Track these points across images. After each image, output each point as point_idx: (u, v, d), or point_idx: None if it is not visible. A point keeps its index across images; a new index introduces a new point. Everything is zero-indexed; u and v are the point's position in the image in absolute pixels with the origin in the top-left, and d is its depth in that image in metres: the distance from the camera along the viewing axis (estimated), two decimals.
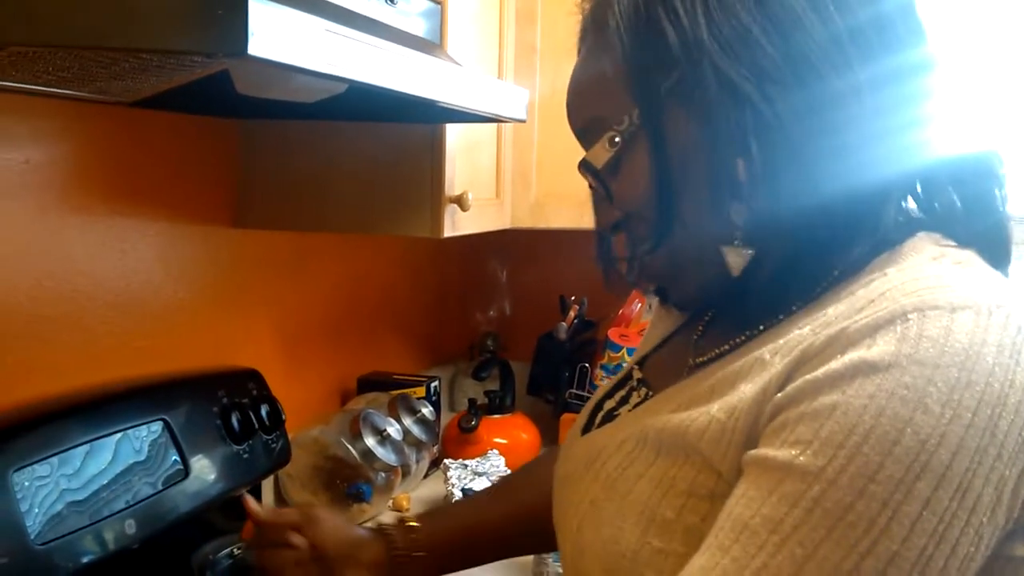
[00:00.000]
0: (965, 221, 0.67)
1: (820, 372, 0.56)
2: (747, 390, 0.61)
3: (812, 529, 0.53)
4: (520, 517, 0.99)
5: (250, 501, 0.99)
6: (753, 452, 0.58)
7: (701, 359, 0.72)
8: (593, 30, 0.71)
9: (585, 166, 0.71)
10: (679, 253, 0.69)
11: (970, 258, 0.63)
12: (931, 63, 0.66)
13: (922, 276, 0.59)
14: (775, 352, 0.61)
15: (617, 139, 0.68)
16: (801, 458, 0.54)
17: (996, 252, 0.66)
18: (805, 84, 0.61)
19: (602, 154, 0.69)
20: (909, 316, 0.55)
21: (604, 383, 1.92)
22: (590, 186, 0.74)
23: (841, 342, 0.57)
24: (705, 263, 0.68)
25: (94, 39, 0.62)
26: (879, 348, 0.55)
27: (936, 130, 0.66)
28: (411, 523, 0.98)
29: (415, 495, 1.70)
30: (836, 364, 0.56)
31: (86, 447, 1.07)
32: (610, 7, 0.68)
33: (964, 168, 0.67)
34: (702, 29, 0.62)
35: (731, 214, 0.64)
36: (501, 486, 1.15)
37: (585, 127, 0.72)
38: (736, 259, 0.66)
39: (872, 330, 0.56)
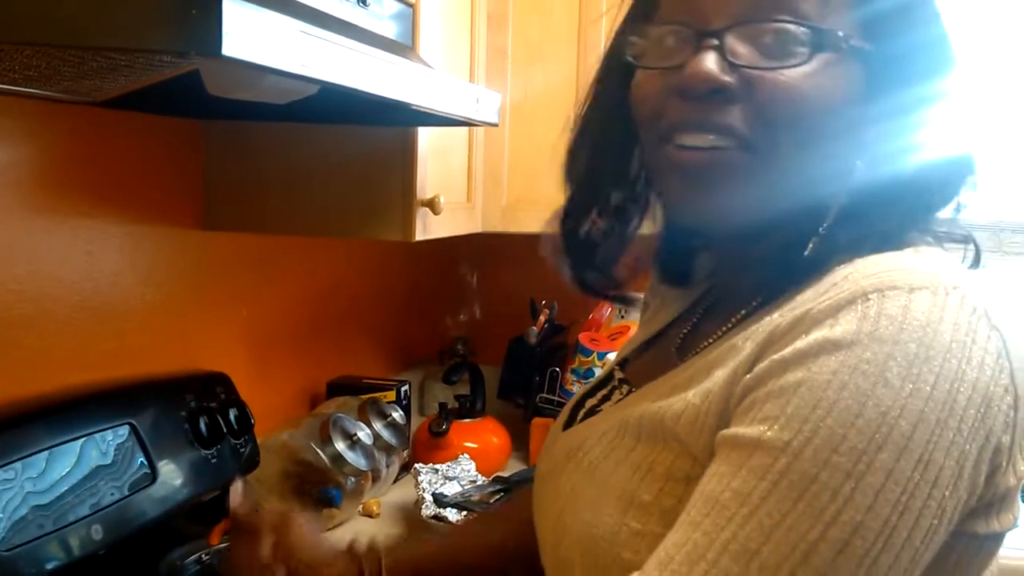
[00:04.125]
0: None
1: (787, 351, 0.58)
2: (720, 375, 0.63)
3: (779, 500, 0.55)
4: (486, 553, 0.99)
5: (234, 494, 0.98)
6: (725, 431, 0.60)
7: (686, 357, 0.73)
8: None
9: (779, 25, 0.64)
10: (748, 174, 0.66)
11: (931, 248, 0.66)
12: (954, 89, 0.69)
13: (883, 261, 0.61)
14: (747, 338, 0.63)
15: (828, 44, 0.64)
16: (769, 433, 0.56)
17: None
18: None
19: (803, 37, 0.64)
20: (869, 296, 0.57)
21: (577, 387, 1.93)
22: (722, 33, 0.65)
23: (805, 323, 0.59)
24: (764, 198, 0.68)
25: (66, 37, 0.61)
26: (841, 327, 0.57)
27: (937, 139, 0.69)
28: (378, 549, 0.96)
29: (385, 500, 1.69)
30: (801, 343, 0.58)
31: (51, 451, 1.06)
32: None
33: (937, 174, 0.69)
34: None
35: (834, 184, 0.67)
36: (473, 522, 1.14)
37: None
38: (818, 243, 0.67)
39: (835, 310, 0.58)
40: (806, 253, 0.66)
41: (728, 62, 0.64)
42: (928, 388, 0.54)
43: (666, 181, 0.70)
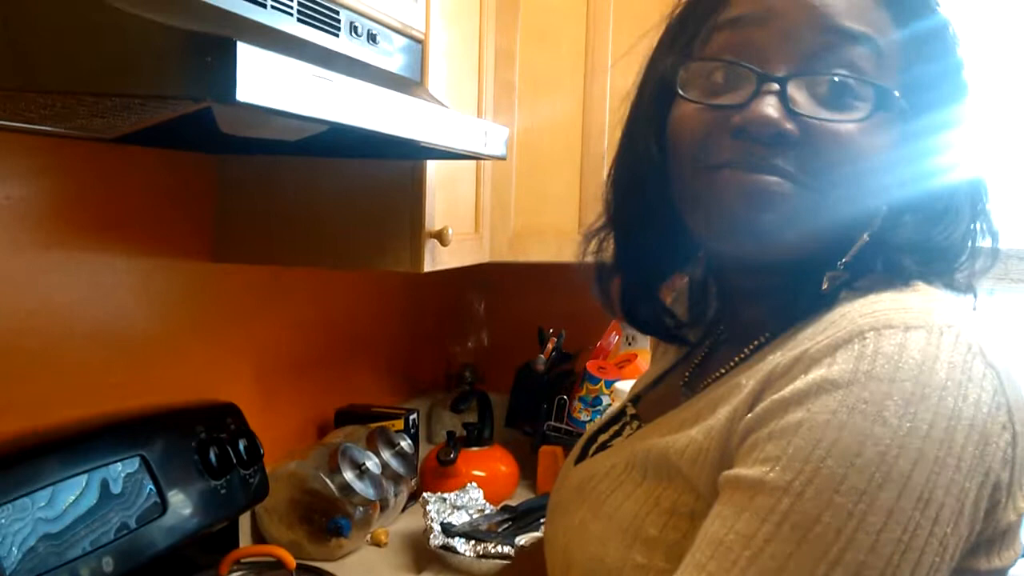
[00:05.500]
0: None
1: (786, 391, 0.59)
2: (723, 412, 0.64)
3: (782, 542, 0.55)
4: None
5: None
6: (728, 472, 0.60)
7: (692, 392, 0.75)
8: None
9: (841, 82, 0.65)
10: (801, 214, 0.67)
11: (927, 286, 0.67)
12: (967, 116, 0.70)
13: (879, 300, 0.62)
14: (750, 376, 0.64)
15: (882, 103, 0.65)
16: (771, 474, 0.57)
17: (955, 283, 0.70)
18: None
19: (865, 94, 0.65)
20: (866, 335, 0.58)
21: (584, 415, 1.93)
22: (784, 78, 0.66)
23: (804, 362, 0.59)
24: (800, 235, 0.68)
25: (84, 84, 0.63)
26: (839, 366, 0.57)
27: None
28: None
29: (394, 529, 1.69)
30: (800, 383, 0.58)
31: (63, 483, 1.06)
32: None
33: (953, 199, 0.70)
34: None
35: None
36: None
37: (852, 35, 0.65)
38: (833, 279, 0.67)
39: (832, 349, 0.58)
40: (824, 287, 0.67)
41: (788, 109, 0.65)
42: (925, 427, 0.55)
43: (712, 202, 0.68)
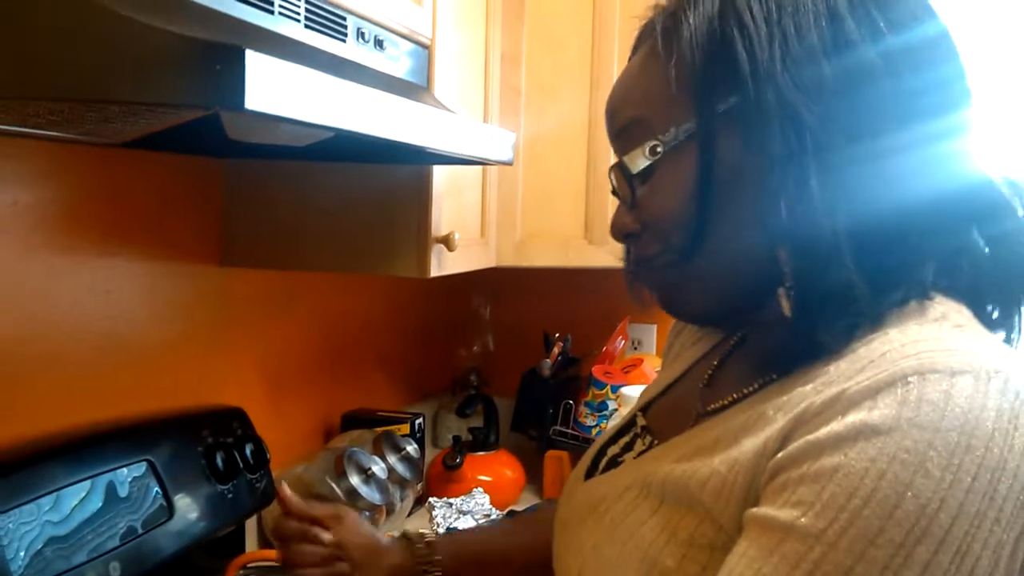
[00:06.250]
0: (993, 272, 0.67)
1: (822, 433, 0.56)
2: (748, 445, 0.61)
3: None
4: (529, 551, 1.01)
5: (284, 488, 1.03)
6: (755, 510, 0.58)
7: (710, 407, 0.73)
8: (662, 33, 0.69)
9: (620, 168, 0.71)
10: (694, 272, 0.69)
11: (970, 321, 0.64)
12: (970, 124, 0.66)
13: (921, 339, 0.59)
14: (778, 408, 0.61)
15: (659, 148, 0.67)
16: (803, 519, 0.55)
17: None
18: (870, 135, 0.62)
19: (640, 160, 0.69)
20: (909, 379, 0.55)
21: (590, 419, 1.92)
22: (613, 191, 0.73)
23: (842, 403, 0.57)
24: (718, 286, 0.69)
25: (92, 92, 0.63)
26: (880, 411, 0.55)
27: (968, 182, 0.66)
28: (430, 539, 1.00)
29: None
30: (837, 426, 0.56)
31: (70, 489, 1.07)
32: (684, 15, 0.67)
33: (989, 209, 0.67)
34: (777, 64, 0.62)
35: (774, 249, 0.64)
36: (515, 520, 1.17)
37: (626, 127, 0.71)
38: (784, 300, 0.65)
39: (873, 392, 0.56)
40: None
41: (628, 205, 0.71)
42: (969, 479, 0.53)
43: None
